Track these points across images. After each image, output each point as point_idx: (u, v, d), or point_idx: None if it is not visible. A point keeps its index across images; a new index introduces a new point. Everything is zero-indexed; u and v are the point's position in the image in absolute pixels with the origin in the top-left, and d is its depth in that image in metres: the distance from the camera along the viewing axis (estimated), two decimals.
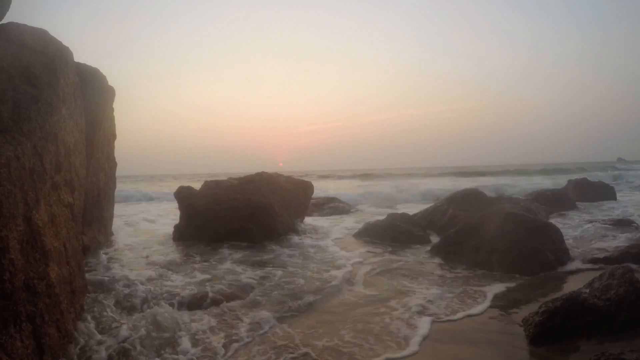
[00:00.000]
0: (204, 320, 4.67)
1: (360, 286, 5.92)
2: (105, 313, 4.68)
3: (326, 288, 5.73)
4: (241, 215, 9.47)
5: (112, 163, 9.29)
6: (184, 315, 4.76)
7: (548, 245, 6.89)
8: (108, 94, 8.55)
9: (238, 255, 7.93)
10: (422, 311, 4.85)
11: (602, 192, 16.94)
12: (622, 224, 10.20)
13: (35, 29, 4.48)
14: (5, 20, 4.45)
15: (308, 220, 12.06)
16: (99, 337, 4.10)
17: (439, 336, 4.21)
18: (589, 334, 3.93)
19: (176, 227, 10.00)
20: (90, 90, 7.23)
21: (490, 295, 5.38)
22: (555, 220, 10.65)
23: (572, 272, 6.40)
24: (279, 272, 6.56)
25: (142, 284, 5.75)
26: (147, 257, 7.88)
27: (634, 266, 5.52)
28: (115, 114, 9.16)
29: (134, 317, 4.61)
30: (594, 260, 6.88)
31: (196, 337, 4.24)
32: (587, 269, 6.45)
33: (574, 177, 19.18)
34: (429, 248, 8.12)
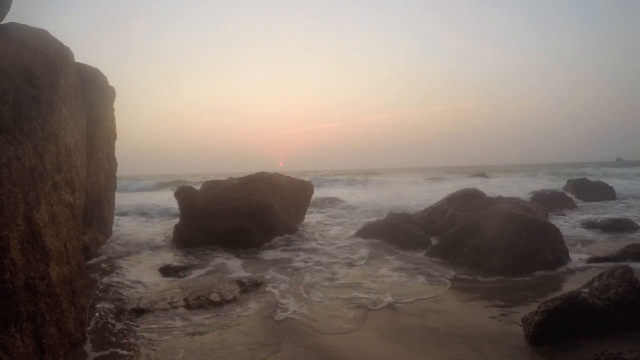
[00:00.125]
0: None
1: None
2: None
3: None
4: (241, 215, 9.48)
5: (112, 163, 9.30)
6: None
7: (547, 245, 6.89)
8: (109, 94, 8.56)
9: (232, 258, 7.93)
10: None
11: (601, 192, 16.96)
12: (622, 223, 10.21)
13: (36, 30, 4.49)
14: (6, 21, 4.46)
15: (308, 220, 12.07)
16: None
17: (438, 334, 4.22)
18: (589, 333, 3.94)
19: (176, 227, 10.00)
20: (91, 91, 7.23)
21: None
22: (554, 220, 10.66)
23: (571, 272, 6.40)
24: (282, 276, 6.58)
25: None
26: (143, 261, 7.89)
27: (633, 265, 5.52)
28: (115, 114, 9.17)
29: None
30: (593, 260, 6.89)
31: None
32: (587, 269, 6.46)
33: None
34: (428, 248, 8.13)
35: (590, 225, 10.40)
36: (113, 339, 4.28)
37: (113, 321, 4.64)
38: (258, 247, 8.74)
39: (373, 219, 10.81)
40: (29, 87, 3.79)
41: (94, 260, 7.32)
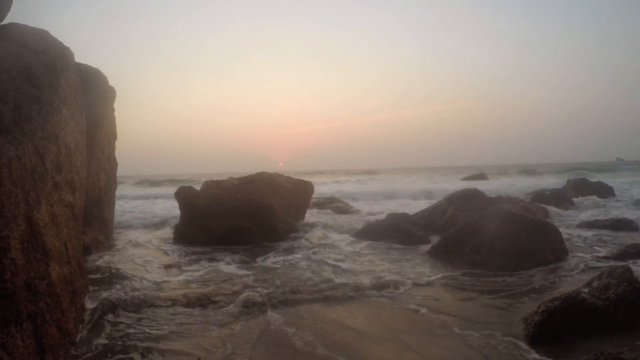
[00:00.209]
0: None
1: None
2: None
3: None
4: (242, 215, 9.49)
5: (112, 163, 9.31)
6: None
7: (547, 244, 6.91)
8: (109, 94, 8.57)
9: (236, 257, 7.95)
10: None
11: (601, 192, 16.96)
12: (622, 223, 10.22)
13: (37, 30, 4.50)
14: (6, 21, 4.47)
15: (308, 220, 12.07)
16: None
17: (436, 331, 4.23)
18: (588, 333, 3.95)
19: (176, 227, 10.01)
20: (91, 91, 7.25)
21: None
22: (554, 220, 10.68)
23: (571, 272, 6.40)
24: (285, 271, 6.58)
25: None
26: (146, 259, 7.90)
27: (633, 265, 5.53)
28: (116, 114, 9.18)
29: None
30: (593, 260, 6.90)
31: None
32: (586, 269, 6.47)
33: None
34: (428, 248, 8.13)
35: (590, 225, 10.41)
36: (109, 331, 4.32)
37: (110, 316, 4.67)
38: (258, 246, 8.77)
39: (373, 219, 10.81)
40: (30, 87, 3.79)
41: (94, 257, 7.33)
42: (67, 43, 4.94)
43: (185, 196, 10.30)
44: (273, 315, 4.80)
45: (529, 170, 41.77)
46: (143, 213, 14.60)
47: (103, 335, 4.23)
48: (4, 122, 3.33)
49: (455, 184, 24.25)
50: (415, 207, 13.59)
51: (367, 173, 48.36)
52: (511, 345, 3.92)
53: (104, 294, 5.20)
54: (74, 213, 4.44)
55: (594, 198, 16.02)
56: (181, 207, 10.29)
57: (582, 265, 6.67)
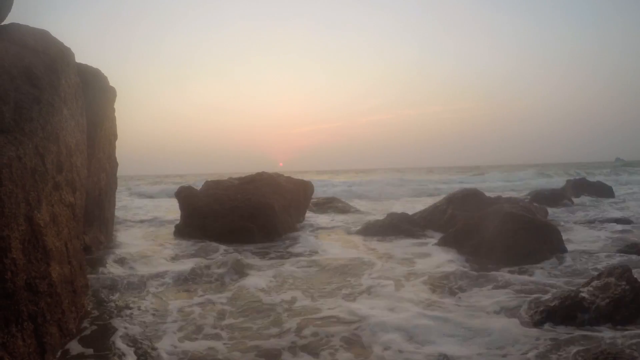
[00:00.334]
0: None
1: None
2: None
3: None
4: (242, 215, 9.50)
5: (113, 163, 9.31)
6: None
7: (547, 244, 6.92)
8: (109, 95, 8.57)
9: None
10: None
11: (600, 192, 16.98)
12: (621, 222, 10.23)
13: (37, 30, 4.50)
14: (7, 21, 4.47)
15: (308, 219, 12.08)
16: None
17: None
18: (588, 332, 3.96)
19: (177, 227, 10.03)
20: (92, 91, 7.24)
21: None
22: (553, 219, 10.69)
23: (570, 272, 6.41)
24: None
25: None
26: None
27: (633, 265, 5.54)
28: (116, 114, 9.18)
29: None
30: (593, 259, 6.90)
31: None
32: (586, 268, 6.47)
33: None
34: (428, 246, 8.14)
35: (589, 224, 10.42)
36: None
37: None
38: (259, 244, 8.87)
39: (373, 219, 10.82)
40: (30, 88, 3.80)
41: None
42: (67, 43, 4.94)
43: (185, 196, 10.31)
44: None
45: (528, 170, 41.73)
46: (143, 213, 14.63)
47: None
48: (4, 122, 3.34)
49: (456, 183, 24.31)
50: (415, 206, 13.60)
51: (367, 173, 48.35)
52: (510, 345, 3.93)
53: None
54: (74, 213, 4.45)
55: (594, 198, 16.05)
56: (181, 207, 10.30)
57: (581, 265, 6.68)
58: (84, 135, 5.17)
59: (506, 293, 5.21)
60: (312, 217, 12.69)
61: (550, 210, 12.40)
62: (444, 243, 7.87)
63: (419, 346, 3.82)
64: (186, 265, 6.61)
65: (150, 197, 24.27)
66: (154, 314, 4.70)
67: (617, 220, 10.40)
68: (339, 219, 12.83)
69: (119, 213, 11.65)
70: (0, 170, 2.90)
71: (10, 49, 3.94)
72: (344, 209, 15.41)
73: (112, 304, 4.97)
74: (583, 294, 4.21)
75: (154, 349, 3.82)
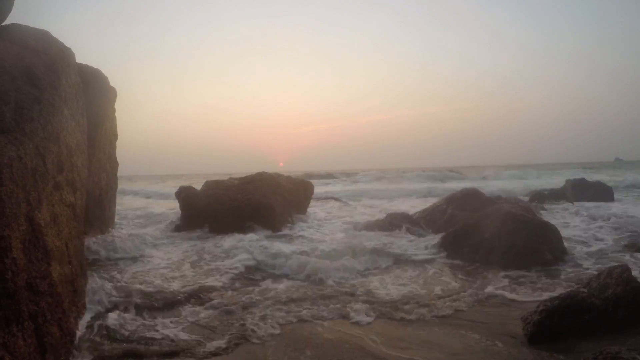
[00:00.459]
0: None
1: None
2: None
3: None
4: (242, 215, 9.52)
5: (113, 163, 9.33)
6: None
7: (546, 244, 6.92)
8: (110, 95, 8.59)
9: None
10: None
11: (600, 192, 16.96)
12: (620, 222, 10.21)
13: (38, 30, 4.50)
14: (7, 22, 4.48)
15: (308, 220, 12.06)
16: None
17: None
18: (587, 332, 3.96)
19: (177, 227, 10.04)
20: (92, 91, 7.25)
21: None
22: (553, 220, 10.67)
23: (570, 271, 6.41)
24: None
25: None
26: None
27: (632, 264, 5.54)
28: (116, 114, 9.19)
29: None
30: (592, 259, 6.91)
31: None
32: (585, 268, 6.47)
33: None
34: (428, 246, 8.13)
35: (588, 224, 10.40)
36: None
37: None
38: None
39: (373, 219, 10.82)
40: (31, 88, 3.81)
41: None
42: (68, 43, 4.95)
43: (185, 196, 10.32)
44: None
45: (528, 170, 41.69)
46: (143, 213, 14.61)
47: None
48: (5, 123, 3.35)
49: (455, 183, 24.29)
50: (415, 206, 13.60)
51: (367, 173, 48.28)
52: (510, 344, 3.94)
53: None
54: (75, 213, 4.45)
55: (593, 198, 16.03)
56: (181, 207, 10.32)
57: (580, 265, 6.68)
58: (84, 135, 5.18)
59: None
60: (312, 217, 12.68)
61: (550, 210, 12.40)
62: (442, 244, 7.80)
63: None
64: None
65: (150, 197, 24.29)
66: None
67: (617, 220, 10.38)
68: (338, 219, 12.81)
69: (119, 213, 11.63)
70: (1, 170, 2.91)
71: (10, 49, 3.94)
72: (344, 209, 15.42)
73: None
74: (582, 294, 4.21)
75: None
